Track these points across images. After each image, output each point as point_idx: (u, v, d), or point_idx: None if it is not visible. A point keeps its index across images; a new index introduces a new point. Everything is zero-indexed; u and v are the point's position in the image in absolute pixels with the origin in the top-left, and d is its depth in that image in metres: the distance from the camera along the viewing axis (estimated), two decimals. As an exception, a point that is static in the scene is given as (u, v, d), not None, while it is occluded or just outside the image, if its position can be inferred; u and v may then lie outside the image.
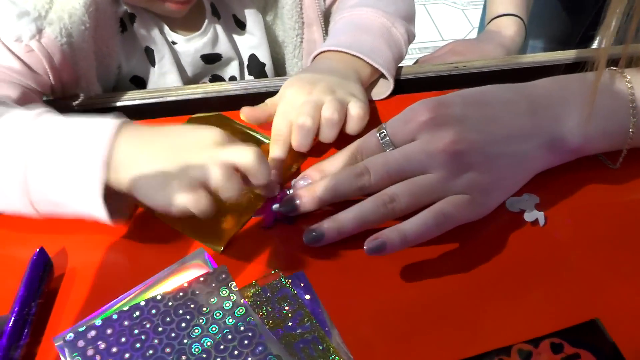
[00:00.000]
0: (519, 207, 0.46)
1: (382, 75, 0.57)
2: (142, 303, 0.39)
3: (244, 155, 0.42)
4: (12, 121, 0.45)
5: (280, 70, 0.72)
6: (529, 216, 0.46)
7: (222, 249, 0.45)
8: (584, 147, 0.47)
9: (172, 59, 0.64)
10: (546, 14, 0.90)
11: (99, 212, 0.42)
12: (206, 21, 0.64)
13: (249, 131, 0.54)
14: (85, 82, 0.57)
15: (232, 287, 0.39)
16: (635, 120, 0.46)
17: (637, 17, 0.40)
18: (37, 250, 0.42)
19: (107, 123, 0.43)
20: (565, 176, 0.48)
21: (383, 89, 0.58)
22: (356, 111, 0.50)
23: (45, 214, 0.45)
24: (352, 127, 0.51)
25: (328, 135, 0.50)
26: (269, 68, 0.70)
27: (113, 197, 0.43)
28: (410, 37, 0.63)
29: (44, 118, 0.45)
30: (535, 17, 0.79)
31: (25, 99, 0.51)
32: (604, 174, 0.49)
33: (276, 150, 0.50)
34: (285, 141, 0.50)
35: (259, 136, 0.54)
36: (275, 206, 0.46)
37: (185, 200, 0.41)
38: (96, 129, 0.43)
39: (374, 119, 0.55)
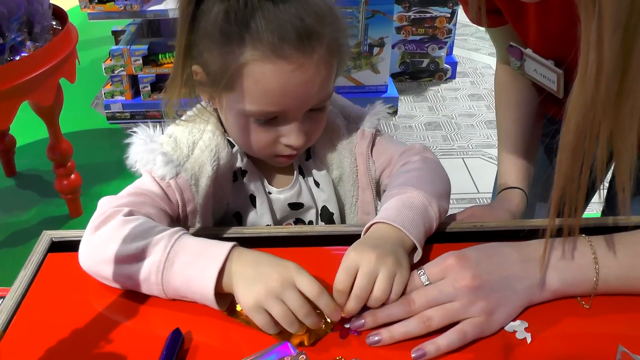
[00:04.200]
0: (513, 329, 0.62)
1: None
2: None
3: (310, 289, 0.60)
4: (162, 234, 0.65)
5: (343, 220, 0.89)
6: (519, 335, 0.61)
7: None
8: (560, 290, 0.64)
9: (268, 205, 0.83)
10: (549, 182, 1.07)
11: (212, 303, 0.62)
12: (294, 179, 0.85)
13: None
14: (203, 214, 0.77)
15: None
16: (598, 274, 0.63)
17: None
18: (176, 328, 0.61)
19: (223, 247, 0.63)
20: (549, 310, 0.64)
21: (414, 256, 0.69)
22: (397, 288, 0.62)
23: (172, 297, 0.65)
24: (391, 298, 0.62)
25: (374, 305, 0.62)
26: (336, 217, 0.87)
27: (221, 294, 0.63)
28: (442, 213, 0.75)
29: (182, 236, 0.65)
30: (539, 185, 0.92)
31: (160, 219, 0.72)
32: (579, 311, 0.64)
33: (338, 299, 0.62)
34: (346, 293, 0.62)
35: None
36: (347, 324, 0.63)
37: (264, 306, 0.59)
38: (216, 250, 0.63)
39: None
